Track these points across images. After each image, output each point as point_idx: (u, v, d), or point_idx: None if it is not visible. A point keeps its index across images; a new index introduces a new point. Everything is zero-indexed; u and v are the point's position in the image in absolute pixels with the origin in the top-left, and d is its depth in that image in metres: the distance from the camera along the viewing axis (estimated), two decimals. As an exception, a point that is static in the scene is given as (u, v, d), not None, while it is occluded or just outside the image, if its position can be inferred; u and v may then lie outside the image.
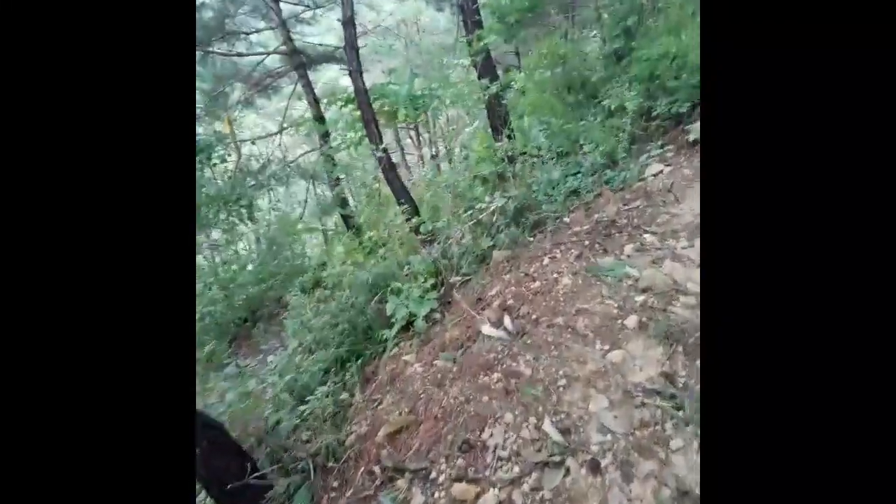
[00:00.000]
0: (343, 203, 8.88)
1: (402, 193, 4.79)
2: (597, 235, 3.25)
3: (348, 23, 4.49)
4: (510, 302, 2.90)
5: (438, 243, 3.96)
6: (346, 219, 8.27)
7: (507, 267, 3.44)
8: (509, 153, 5.40)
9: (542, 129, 6.99)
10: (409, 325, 3.50)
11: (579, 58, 9.19)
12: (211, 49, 9.50)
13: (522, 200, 4.69)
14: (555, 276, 2.94)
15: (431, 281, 3.56)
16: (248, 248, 10.70)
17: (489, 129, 6.95)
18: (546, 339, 2.45)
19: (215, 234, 9.41)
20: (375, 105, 5.22)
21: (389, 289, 3.60)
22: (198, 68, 10.34)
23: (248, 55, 10.02)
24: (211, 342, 6.38)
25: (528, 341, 2.47)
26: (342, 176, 8.78)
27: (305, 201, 10.51)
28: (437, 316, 3.41)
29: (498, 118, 7.12)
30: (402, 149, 14.09)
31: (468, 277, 3.64)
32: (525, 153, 6.31)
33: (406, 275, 3.75)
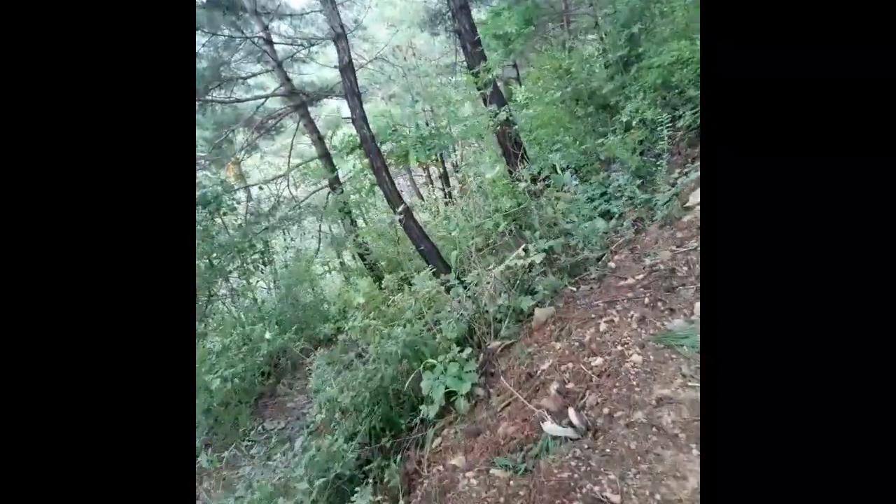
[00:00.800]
0: (357, 237, 8.48)
1: (422, 242, 4.34)
2: (656, 290, 2.77)
3: (347, 69, 4.08)
4: (570, 385, 2.43)
5: (469, 298, 3.50)
6: (363, 257, 7.84)
7: (554, 331, 2.97)
8: (527, 184, 4.95)
9: (556, 150, 6.52)
10: (448, 399, 3.05)
11: (583, 68, 8.75)
12: (209, 98, 9.19)
13: (553, 240, 4.23)
14: (619, 348, 2.46)
15: (468, 350, 3.09)
16: (266, 293, 10.33)
17: (502, 156, 6.51)
18: (627, 444, 1.97)
19: (233, 282, 9.06)
20: (384, 147, 4.78)
21: (422, 364, 3.15)
22: (198, 117, 10.06)
23: (246, 100, 9.70)
24: (236, 406, 5.97)
25: (607, 449, 1.99)
26: (355, 212, 8.37)
27: (319, 239, 10.11)
28: (480, 392, 2.94)
29: (510, 142, 6.68)
30: (415, 183, 13.68)
31: (510, 342, 3.18)
32: (543, 178, 5.87)
33: (438, 342, 3.29)
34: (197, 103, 9.28)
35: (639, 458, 1.90)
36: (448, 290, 3.62)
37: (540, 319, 3.15)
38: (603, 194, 5.58)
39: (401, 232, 5.43)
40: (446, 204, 13.59)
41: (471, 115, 6.41)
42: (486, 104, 6.50)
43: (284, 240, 10.42)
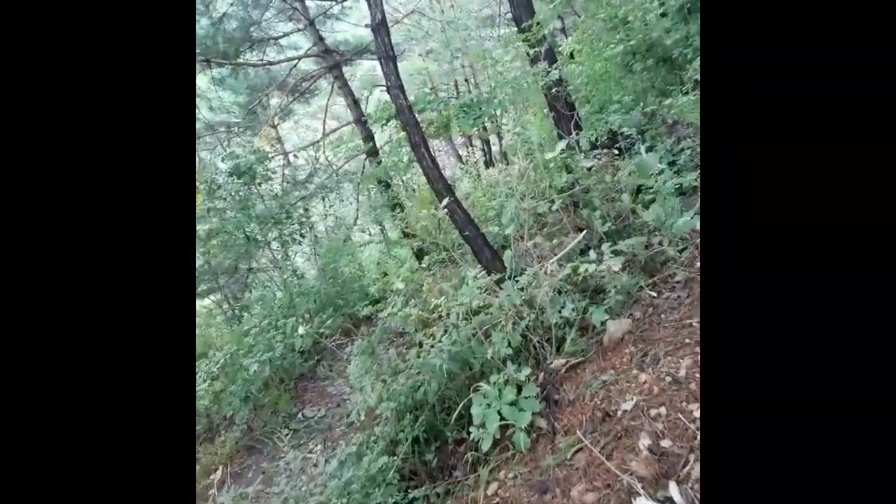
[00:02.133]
0: (395, 207, 7.96)
1: (467, 227, 3.77)
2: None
3: (379, 28, 3.43)
4: (666, 443, 1.86)
5: (524, 302, 2.94)
6: (405, 234, 7.31)
7: (634, 354, 2.39)
8: (586, 154, 4.26)
9: (615, 111, 5.71)
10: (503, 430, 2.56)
11: (642, 18, 7.69)
12: (241, 61, 8.65)
13: (614, 221, 3.59)
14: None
15: (526, 371, 2.57)
16: (305, 263, 10.04)
17: (551, 119, 5.76)
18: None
19: (274, 252, 8.80)
20: (422, 117, 4.15)
21: (471, 387, 2.65)
22: (231, 81, 9.59)
23: (279, 62, 9.12)
24: (276, 390, 5.71)
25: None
26: (395, 182, 7.80)
27: (357, 207, 9.65)
28: (543, 425, 2.43)
29: (562, 104, 5.90)
30: (454, 145, 12.90)
31: (576, 361, 2.63)
32: (601, 145, 5.12)
33: (489, 354, 2.77)
34: (228, 67, 8.77)
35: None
36: (499, 283, 3.06)
37: (614, 335, 2.57)
38: (672, 164, 4.82)
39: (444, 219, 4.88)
40: (487, 166, 12.85)
41: (518, 75, 5.63)
42: (532, 64, 5.71)
43: (324, 206, 10.02)
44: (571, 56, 7.31)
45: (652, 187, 4.28)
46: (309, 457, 4.71)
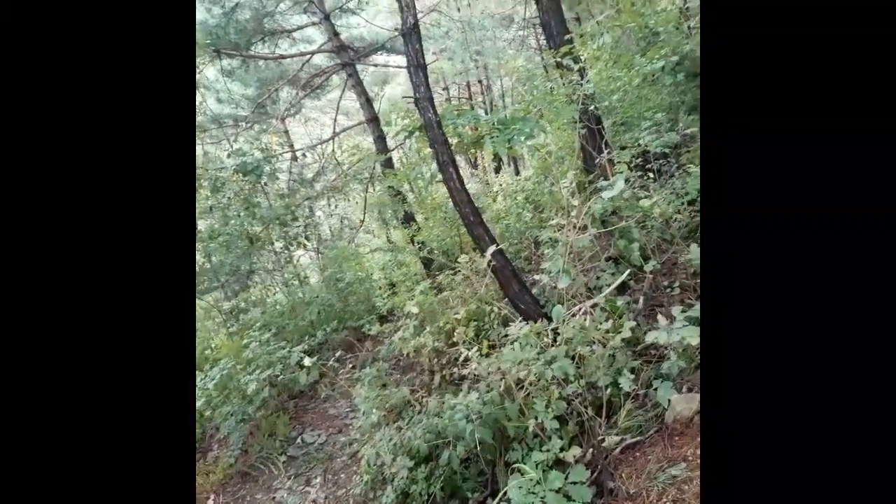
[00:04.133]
0: (409, 218, 7.53)
1: (512, 283, 3.35)
2: None
3: (411, 34, 3.01)
4: None
5: (571, 361, 2.52)
6: (426, 264, 6.87)
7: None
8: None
9: (647, 129, 5.28)
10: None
11: (676, 29, 7.26)
12: (252, 53, 8.20)
13: (660, 262, 3.19)
14: None
15: (575, 450, 2.16)
16: (309, 266, 9.63)
17: (578, 134, 5.33)
18: None
19: (276, 256, 8.38)
20: (448, 131, 3.73)
21: (508, 469, 2.25)
22: (241, 73, 9.14)
23: (291, 56, 8.66)
24: (271, 412, 5.30)
25: None
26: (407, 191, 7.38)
27: (364, 209, 9.23)
28: (595, 520, 2.03)
29: (590, 119, 5.47)
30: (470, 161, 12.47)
31: (633, 440, 2.23)
32: (631, 167, 4.70)
33: (526, 428, 2.36)
34: (239, 58, 8.32)
35: None
36: (538, 335, 2.64)
37: (682, 414, 2.17)
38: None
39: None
40: (497, 172, 12.44)
41: (551, 89, 5.20)
42: (561, 76, 5.28)
43: (330, 207, 9.60)
44: (584, 63, 6.90)
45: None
46: (307, 491, 4.33)
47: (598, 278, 3.57)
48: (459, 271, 4.48)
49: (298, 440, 4.96)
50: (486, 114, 14.91)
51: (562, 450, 2.20)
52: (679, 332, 2.02)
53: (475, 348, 2.58)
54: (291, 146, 12.15)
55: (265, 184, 7.83)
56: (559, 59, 4.50)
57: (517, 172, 13.68)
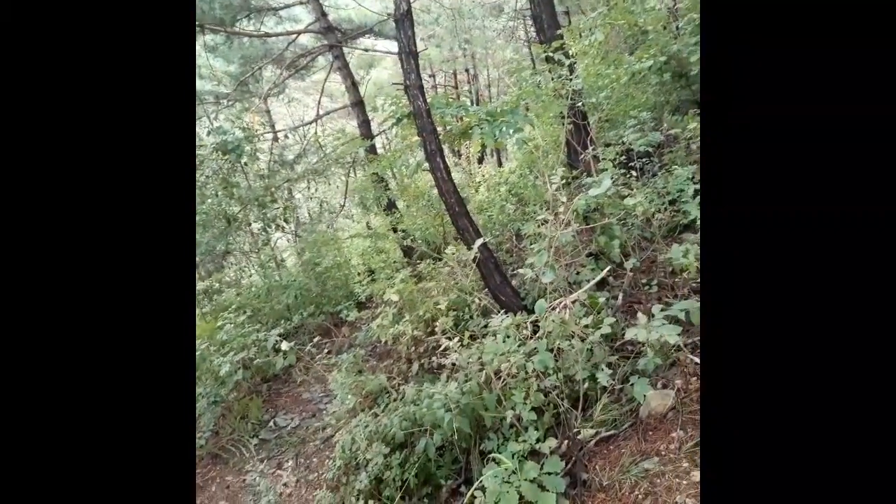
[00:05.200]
0: (391, 205, 7.47)
1: (494, 275, 3.35)
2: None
3: (404, 20, 2.96)
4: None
5: (551, 355, 2.54)
6: (405, 252, 6.82)
7: (683, 441, 2.03)
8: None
9: (632, 128, 5.31)
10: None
11: (666, 29, 7.30)
12: (236, 29, 7.98)
13: (640, 259, 3.24)
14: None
15: (551, 441, 2.18)
16: (287, 248, 9.50)
17: (564, 128, 5.34)
18: None
19: (253, 237, 8.23)
20: (436, 120, 3.70)
21: (483, 458, 2.27)
22: (224, 50, 8.90)
23: (277, 34, 8.47)
24: (244, 395, 5.24)
25: None
26: (391, 180, 7.31)
27: (345, 193, 9.13)
28: (570, 510, 2.06)
29: (578, 115, 5.48)
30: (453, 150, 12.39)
31: (608, 434, 2.26)
32: (615, 164, 4.72)
33: (503, 418, 2.38)
34: (224, 34, 8.09)
35: None
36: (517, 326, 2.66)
37: (656, 409, 2.21)
38: (696, 194, 4.47)
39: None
40: (480, 162, 12.41)
41: (540, 83, 5.19)
42: (550, 70, 5.27)
43: (309, 188, 9.46)
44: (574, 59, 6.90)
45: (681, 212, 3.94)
46: (279, 474, 4.30)
47: (578, 273, 3.60)
48: (445, 263, 4.47)
49: (271, 423, 4.92)
50: (472, 103, 14.88)
51: (538, 441, 2.22)
52: (658, 330, 2.05)
53: (456, 338, 2.58)
54: (273, 126, 11.92)
55: (245, 164, 7.68)
56: (550, 54, 4.50)
57: (500, 164, 13.69)
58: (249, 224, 7.90)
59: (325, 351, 5.88)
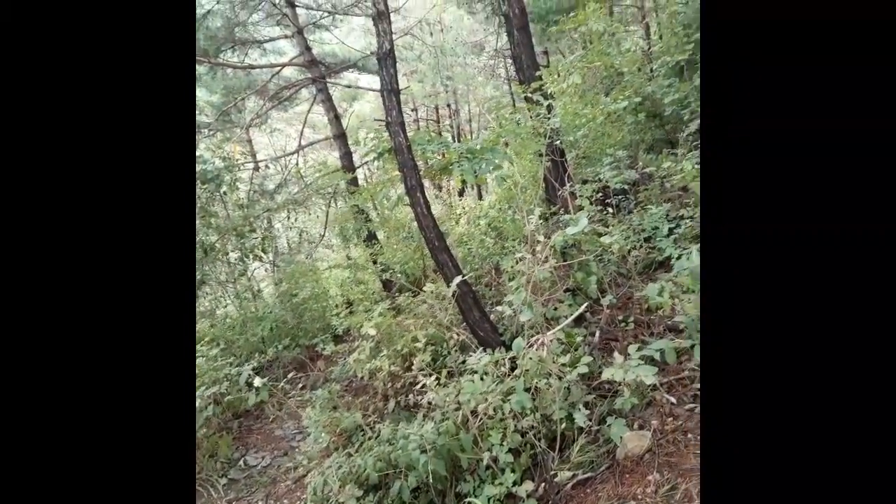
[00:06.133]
0: (371, 237, 7.44)
1: (473, 310, 3.34)
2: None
3: (386, 59, 3.02)
4: None
5: (529, 396, 2.52)
6: (385, 284, 6.78)
7: (660, 483, 2.01)
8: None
9: (609, 165, 5.44)
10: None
11: (640, 71, 7.58)
12: (220, 61, 8.04)
13: (616, 296, 3.27)
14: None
15: (528, 486, 2.14)
16: (264, 279, 9.36)
17: (543, 166, 5.45)
18: None
19: (230, 268, 8.09)
20: (416, 155, 3.75)
21: (459, 501, 2.21)
22: (207, 80, 8.93)
23: (261, 67, 8.55)
24: (214, 432, 5.05)
25: None
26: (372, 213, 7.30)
27: (325, 224, 9.10)
28: (545, 557, 2.01)
29: (555, 152, 5.61)
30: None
31: (585, 476, 2.23)
32: (592, 201, 4.81)
33: (480, 459, 2.33)
34: (207, 65, 8.13)
35: None
36: (496, 363, 2.63)
37: (632, 451, 2.19)
38: (670, 232, 4.57)
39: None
40: (460, 195, 12.54)
41: (519, 121, 5.32)
42: (529, 109, 5.40)
43: (289, 218, 9.40)
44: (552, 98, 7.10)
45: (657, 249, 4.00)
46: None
47: (556, 309, 3.60)
48: (424, 300, 4.44)
49: (241, 462, 4.73)
50: (454, 137, 15.08)
51: (514, 483, 2.18)
52: (635, 370, 2.05)
53: (433, 377, 2.55)
54: (254, 156, 11.91)
55: (224, 193, 7.62)
56: (528, 95, 4.62)
57: (480, 197, 13.83)
58: (227, 254, 7.78)
59: (300, 386, 5.75)
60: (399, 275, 6.30)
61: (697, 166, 4.64)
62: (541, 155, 5.20)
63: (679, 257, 3.28)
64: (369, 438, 3.20)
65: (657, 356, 2.15)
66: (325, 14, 8.08)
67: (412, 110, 15.72)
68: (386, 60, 3.07)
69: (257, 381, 3.47)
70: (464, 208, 9.60)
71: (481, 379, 2.40)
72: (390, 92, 3.14)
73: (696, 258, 2.22)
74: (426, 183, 11.54)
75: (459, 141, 13.71)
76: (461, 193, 12.78)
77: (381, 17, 3.02)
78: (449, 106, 15.57)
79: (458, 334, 3.63)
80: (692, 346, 2.23)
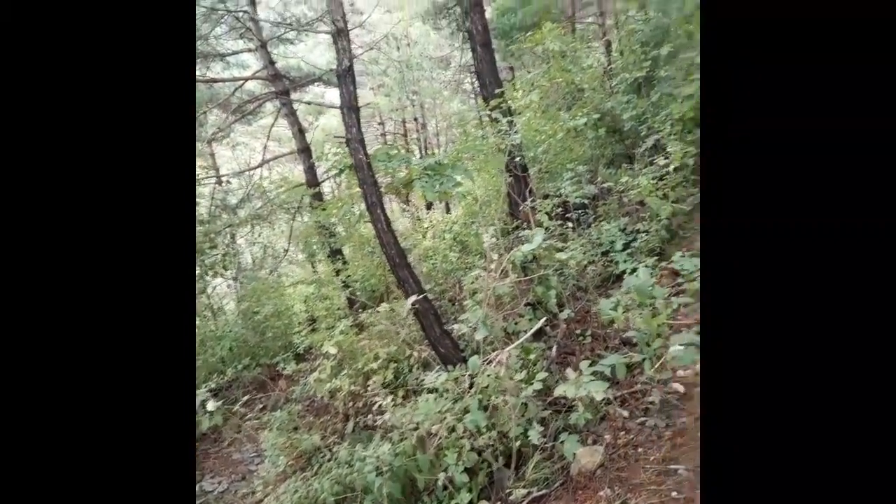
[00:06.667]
0: (336, 252, 7.35)
1: (435, 328, 3.34)
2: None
3: (346, 76, 3.02)
4: None
5: (483, 413, 2.51)
6: (350, 301, 6.69)
7: (612, 499, 2.03)
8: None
9: (570, 180, 5.54)
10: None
11: (601, 87, 7.77)
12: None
13: (574, 310, 3.31)
14: None
15: (483, 504, 2.13)
16: (225, 297, 9.15)
17: (505, 180, 5.51)
18: None
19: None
20: (378, 171, 3.74)
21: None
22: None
23: (224, 80, 8.44)
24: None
25: None
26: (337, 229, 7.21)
27: (289, 239, 8.96)
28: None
29: (518, 169, 5.68)
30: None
31: (540, 494, 2.23)
32: (552, 216, 4.88)
33: (438, 480, 2.31)
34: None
35: None
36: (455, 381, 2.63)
37: (585, 466, 2.21)
38: (626, 246, 4.67)
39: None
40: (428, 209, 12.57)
41: (480, 137, 5.38)
42: (491, 125, 5.47)
43: (252, 233, 9.22)
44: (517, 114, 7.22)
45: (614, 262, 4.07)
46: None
47: (516, 323, 3.63)
48: (380, 321, 4.40)
49: (197, 488, 4.57)
50: (421, 151, 15.11)
51: (471, 503, 2.17)
52: (587, 386, 2.07)
53: (390, 398, 2.52)
54: (217, 170, 11.67)
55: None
56: (489, 112, 4.67)
57: (448, 210, 13.89)
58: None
59: (260, 406, 5.60)
60: (359, 292, 6.24)
61: (653, 181, 4.79)
62: (503, 171, 5.26)
63: (633, 271, 3.36)
64: (328, 460, 3.14)
65: (608, 372, 2.18)
66: (289, 28, 8.03)
67: (379, 124, 15.73)
68: (346, 77, 3.07)
69: (210, 405, 3.35)
70: (431, 222, 9.62)
71: (441, 397, 2.39)
72: (350, 109, 3.13)
73: (643, 275, 2.27)
74: (393, 197, 11.55)
75: (426, 155, 13.77)
76: (429, 207, 12.80)
77: (341, 34, 3.03)
78: (416, 120, 15.64)
79: (419, 352, 3.61)
80: (643, 360, 2.27)
